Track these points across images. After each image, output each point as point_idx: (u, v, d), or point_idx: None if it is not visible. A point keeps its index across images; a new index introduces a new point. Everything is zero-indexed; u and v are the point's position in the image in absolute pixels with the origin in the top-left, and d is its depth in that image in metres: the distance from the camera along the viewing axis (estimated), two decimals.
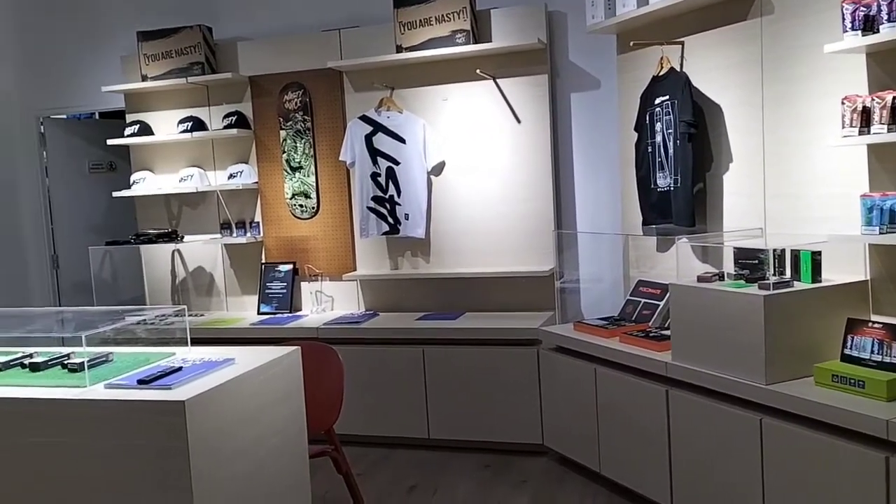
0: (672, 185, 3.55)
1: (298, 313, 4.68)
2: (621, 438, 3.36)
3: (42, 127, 5.32)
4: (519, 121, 4.24)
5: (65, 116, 5.46)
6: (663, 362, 3.11)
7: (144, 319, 2.96)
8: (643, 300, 3.74)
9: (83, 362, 2.38)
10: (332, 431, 3.37)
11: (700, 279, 3.05)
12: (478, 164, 4.34)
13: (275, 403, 2.54)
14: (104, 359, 2.54)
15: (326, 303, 4.73)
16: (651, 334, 3.38)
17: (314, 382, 2.97)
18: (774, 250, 2.91)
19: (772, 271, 2.88)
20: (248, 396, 2.39)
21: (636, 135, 3.78)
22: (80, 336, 2.31)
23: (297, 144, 4.65)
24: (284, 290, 4.71)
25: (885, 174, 2.74)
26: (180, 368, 2.37)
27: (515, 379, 3.93)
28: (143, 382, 2.24)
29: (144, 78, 4.75)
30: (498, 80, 4.24)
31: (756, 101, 3.23)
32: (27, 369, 2.50)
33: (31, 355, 2.62)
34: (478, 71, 4.18)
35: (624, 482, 3.40)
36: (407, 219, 4.43)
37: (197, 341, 2.80)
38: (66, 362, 2.50)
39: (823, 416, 2.46)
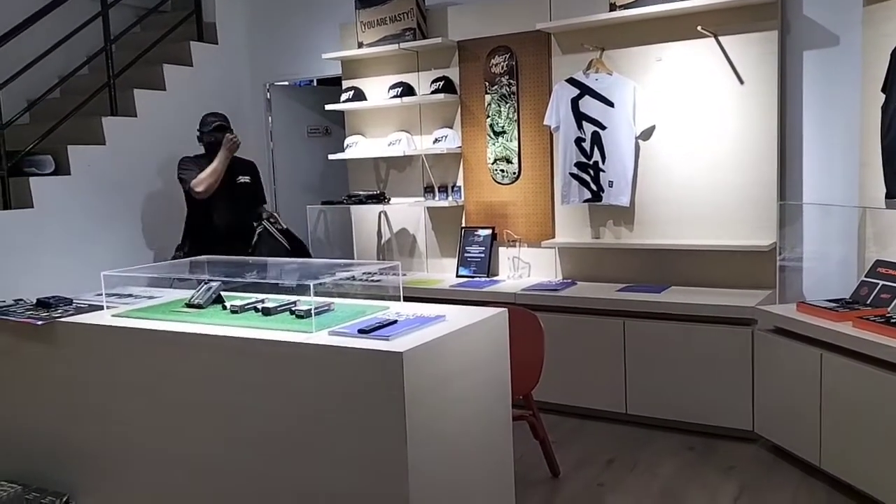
0: None
1: (495, 278, 4.72)
2: (848, 432, 3.05)
3: (268, 93, 5.75)
4: (742, 81, 3.92)
5: (287, 83, 5.85)
6: None
7: (353, 275, 3.10)
8: (882, 282, 3.33)
9: (310, 309, 2.54)
10: (531, 397, 3.37)
11: None
12: (692, 128, 4.08)
13: (482, 362, 2.56)
14: (327, 308, 2.69)
15: (523, 269, 4.71)
16: (892, 320, 3.01)
17: (515, 346, 2.95)
18: None
19: None
20: (458, 353, 2.43)
21: (883, 96, 3.35)
22: (307, 285, 2.45)
23: (502, 109, 4.64)
24: (483, 255, 4.76)
25: None
26: (395, 321, 2.45)
27: (725, 359, 3.69)
28: (363, 332, 2.34)
29: (360, 45, 4.95)
30: (720, 38, 3.93)
31: None
32: (260, 313, 2.71)
33: (262, 300, 2.84)
34: (699, 28, 3.91)
35: (848, 479, 3.09)
36: (611, 186, 4.28)
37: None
38: (293, 309, 2.68)
39: None
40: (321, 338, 2.37)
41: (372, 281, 3.28)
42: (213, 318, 2.69)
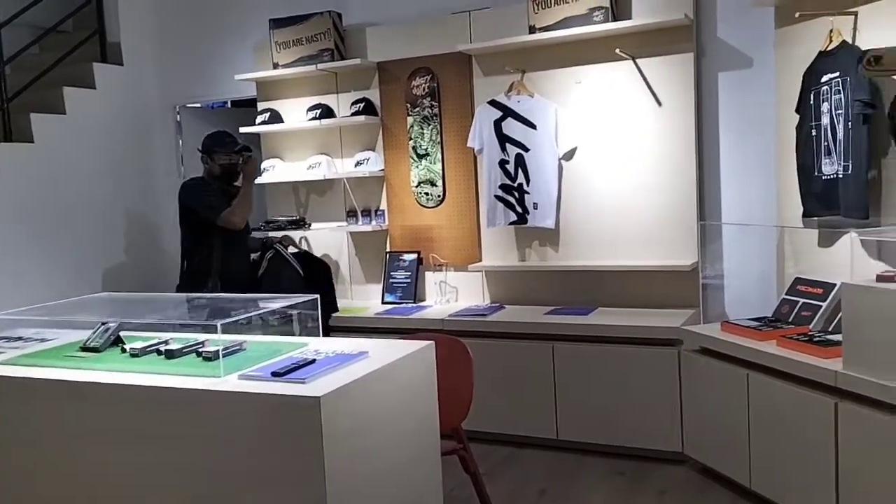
0: (841, 171, 3.17)
1: (422, 304, 4.59)
2: (777, 452, 3.04)
3: (178, 116, 5.48)
4: (660, 103, 3.94)
5: (199, 105, 5.60)
6: (832, 371, 2.77)
7: (269, 310, 2.91)
8: (802, 300, 3.37)
9: (218, 351, 2.34)
10: (461, 429, 3.23)
11: (880, 278, 2.68)
12: (613, 149, 4.07)
13: (409, 400, 2.43)
14: (238, 347, 2.50)
15: (450, 294, 4.61)
16: (815, 339, 3.03)
17: (443, 377, 2.83)
18: None
19: None
20: (382, 393, 2.28)
21: (797, 117, 3.41)
22: (214, 324, 2.26)
23: (424, 131, 4.54)
24: (409, 280, 4.63)
25: None
26: (314, 361, 2.29)
27: (653, 381, 3.66)
28: (277, 375, 2.16)
29: (276, 66, 4.77)
30: (638, 61, 3.95)
31: None
32: (162, 356, 2.50)
33: (166, 342, 2.62)
34: (617, 51, 3.91)
35: (778, 500, 3.08)
36: (536, 208, 4.23)
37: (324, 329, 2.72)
38: (200, 350, 2.48)
39: None
40: (230, 383, 2.19)
41: (289, 315, 3.09)
42: (110, 364, 2.46)
